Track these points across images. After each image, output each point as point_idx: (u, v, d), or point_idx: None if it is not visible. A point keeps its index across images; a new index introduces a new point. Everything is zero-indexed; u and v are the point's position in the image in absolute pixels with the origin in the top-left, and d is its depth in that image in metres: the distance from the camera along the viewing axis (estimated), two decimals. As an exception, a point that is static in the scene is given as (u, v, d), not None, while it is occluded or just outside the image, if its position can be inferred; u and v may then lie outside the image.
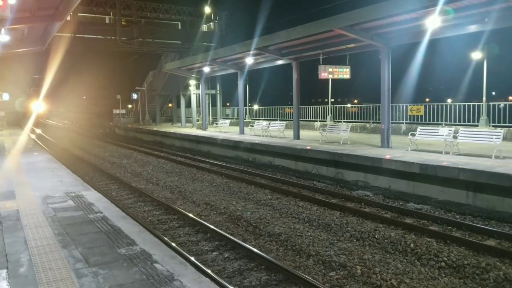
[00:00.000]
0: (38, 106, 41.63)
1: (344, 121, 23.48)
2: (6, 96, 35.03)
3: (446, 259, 7.03)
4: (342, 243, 8.09)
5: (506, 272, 6.49)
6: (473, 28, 12.65)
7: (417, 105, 19.81)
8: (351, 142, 17.01)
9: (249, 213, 10.25)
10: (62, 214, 7.01)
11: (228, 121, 27.72)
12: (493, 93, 50.98)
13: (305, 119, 26.02)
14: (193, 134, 25.59)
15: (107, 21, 31.18)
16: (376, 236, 8.27)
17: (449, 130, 13.58)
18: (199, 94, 31.06)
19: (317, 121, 25.58)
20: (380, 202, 10.78)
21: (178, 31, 34.42)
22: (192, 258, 7.04)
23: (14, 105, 44.80)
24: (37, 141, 25.12)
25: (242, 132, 24.23)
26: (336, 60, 17.86)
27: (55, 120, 63.45)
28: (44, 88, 35.16)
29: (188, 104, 35.38)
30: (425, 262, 7.09)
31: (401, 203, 10.77)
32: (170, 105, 44.44)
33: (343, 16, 14.05)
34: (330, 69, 17.10)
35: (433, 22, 12.28)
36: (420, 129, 14.61)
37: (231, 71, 25.79)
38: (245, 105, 29.24)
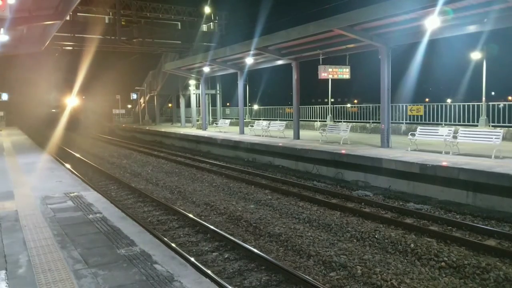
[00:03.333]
0: (72, 101, 39.13)
1: (344, 121, 23.46)
2: (4, 96, 34.86)
3: (446, 259, 7.02)
4: (343, 243, 8.08)
5: (506, 272, 6.48)
6: (472, 28, 12.65)
7: (417, 105, 19.81)
8: (351, 142, 17.01)
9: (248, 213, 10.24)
10: (61, 214, 6.98)
11: (228, 121, 27.68)
12: (493, 93, 51.06)
13: (305, 119, 26.02)
14: (193, 134, 25.57)
15: (106, 21, 31.15)
16: (376, 236, 8.25)
17: (449, 130, 13.58)
18: (199, 94, 31.02)
19: (317, 121, 25.57)
20: (380, 202, 10.76)
21: (178, 31, 34.38)
22: (192, 259, 7.01)
23: (49, 101, 41.08)
24: None
25: (242, 132, 24.21)
26: (336, 60, 17.87)
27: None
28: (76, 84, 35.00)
29: (188, 104, 35.34)
30: (425, 262, 7.08)
31: (401, 203, 10.76)
32: (169, 105, 44.35)
33: (342, 16, 14.06)
34: (330, 69, 17.10)
35: (432, 23, 12.28)
36: (420, 129, 14.61)
37: (231, 71, 25.78)
38: (245, 105, 29.22)
